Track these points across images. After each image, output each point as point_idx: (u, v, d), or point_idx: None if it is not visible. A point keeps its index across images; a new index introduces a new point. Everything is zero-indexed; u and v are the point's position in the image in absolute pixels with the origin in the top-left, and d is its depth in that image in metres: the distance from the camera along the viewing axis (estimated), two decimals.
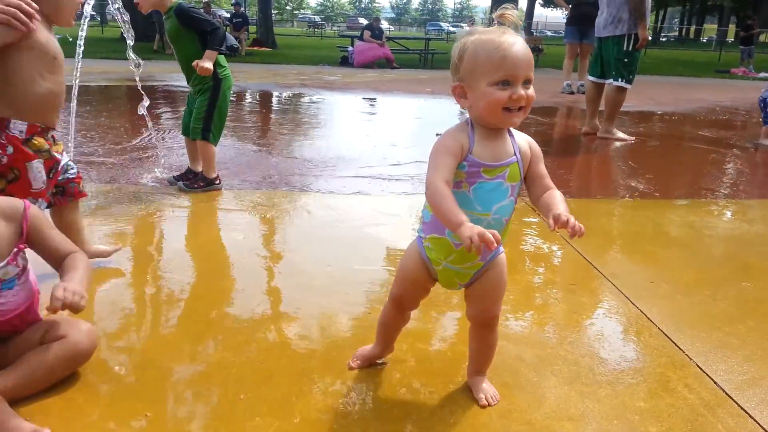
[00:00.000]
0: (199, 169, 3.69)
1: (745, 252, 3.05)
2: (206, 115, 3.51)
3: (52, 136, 2.18)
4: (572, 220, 1.35)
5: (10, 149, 2.00)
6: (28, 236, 1.62)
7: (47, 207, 2.23)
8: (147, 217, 3.13)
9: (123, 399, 1.63)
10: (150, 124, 3.95)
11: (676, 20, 58.54)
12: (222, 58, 3.53)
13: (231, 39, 17.61)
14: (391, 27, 57.56)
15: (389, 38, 19.12)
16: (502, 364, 1.87)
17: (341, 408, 1.63)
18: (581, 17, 9.54)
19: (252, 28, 23.01)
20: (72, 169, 2.32)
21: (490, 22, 1.46)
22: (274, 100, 8.99)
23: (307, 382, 1.74)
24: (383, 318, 1.78)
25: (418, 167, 4.47)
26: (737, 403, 1.71)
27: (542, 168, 1.54)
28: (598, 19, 5.98)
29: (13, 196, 1.74)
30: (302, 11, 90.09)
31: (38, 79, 2.01)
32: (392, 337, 1.83)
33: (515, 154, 1.48)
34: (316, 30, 43.07)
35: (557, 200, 1.46)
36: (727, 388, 1.78)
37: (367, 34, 16.09)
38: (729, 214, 3.76)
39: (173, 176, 3.74)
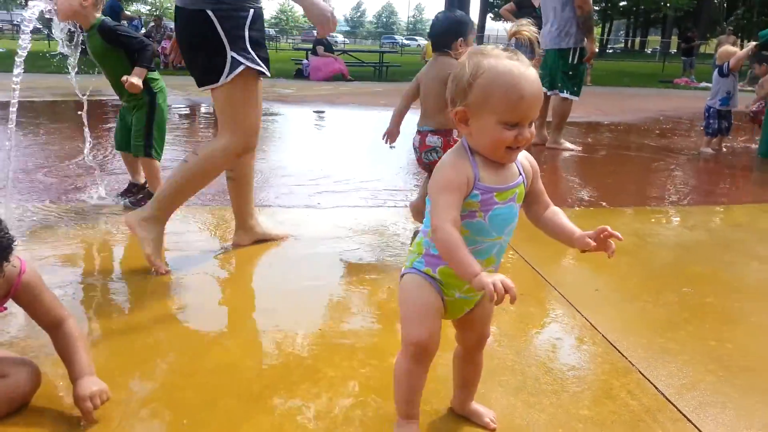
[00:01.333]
0: (141, 181, 3.64)
1: (687, 258, 3.16)
2: (146, 131, 3.45)
3: None
4: (611, 230, 1.37)
5: None
6: (14, 298, 1.58)
7: None
8: (91, 237, 3.04)
9: (65, 426, 1.57)
10: (88, 140, 3.84)
11: (621, 32, 60.59)
12: (155, 74, 3.47)
13: None
14: (346, 40, 57.78)
15: (343, 51, 19.22)
16: (451, 378, 1.88)
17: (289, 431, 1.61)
18: None
19: None
20: None
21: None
22: None
23: (254, 404, 1.71)
24: (412, 383, 1.48)
25: (372, 180, 4.49)
26: (677, 408, 1.76)
27: (541, 184, 1.51)
28: (543, 30, 6.10)
29: None
30: None
31: None
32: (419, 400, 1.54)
33: (521, 174, 1.43)
34: (270, 42, 42.88)
35: (566, 218, 1.49)
36: (668, 392, 1.83)
37: (320, 49, 16.11)
38: (672, 221, 3.89)
39: (118, 194, 3.66)
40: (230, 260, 2.88)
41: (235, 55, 2.46)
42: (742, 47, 14.04)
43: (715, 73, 6.41)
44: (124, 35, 3.34)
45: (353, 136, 7.12)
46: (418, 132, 3.03)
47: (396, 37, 71.66)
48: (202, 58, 2.51)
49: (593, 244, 1.39)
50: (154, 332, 2.11)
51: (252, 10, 2.49)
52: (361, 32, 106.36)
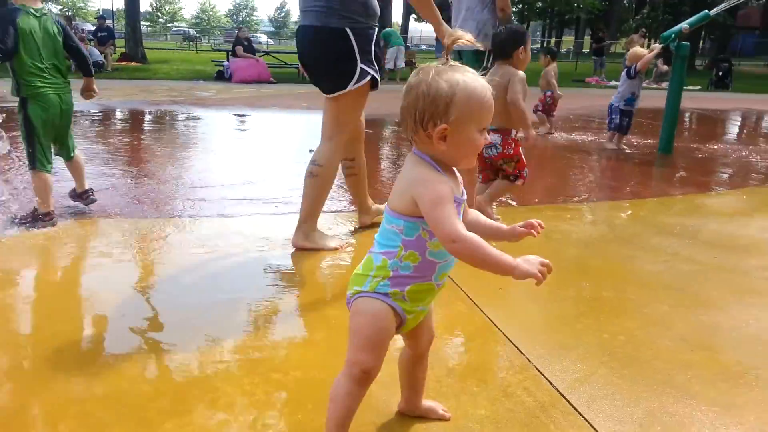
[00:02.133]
0: (84, 187, 3.59)
1: (586, 253, 3.30)
2: (26, 141, 3.29)
3: None
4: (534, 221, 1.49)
5: None
6: None
7: None
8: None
9: None
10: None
11: (538, 33, 62.80)
12: (30, 76, 3.19)
13: (96, 54, 16.64)
14: (270, 41, 56.93)
15: (266, 53, 18.94)
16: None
17: None
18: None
19: (120, 42, 21.89)
20: None
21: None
22: (140, 118, 8.55)
23: (145, 430, 1.65)
24: (349, 405, 1.47)
25: (293, 186, 4.44)
26: (569, 402, 1.83)
27: None
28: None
29: None
30: (176, 24, 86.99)
31: None
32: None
33: (461, 182, 1.48)
34: (191, 44, 41.69)
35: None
36: (561, 387, 1.90)
37: (239, 49, 15.81)
38: (575, 217, 4.05)
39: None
40: (131, 272, 2.77)
41: (363, 66, 2.90)
42: (648, 45, 14.90)
43: (623, 74, 6.74)
44: None
45: (275, 140, 7.02)
46: None
47: None
48: (335, 69, 2.92)
49: (524, 230, 1.49)
50: (40, 355, 1.99)
51: (376, 29, 2.95)
52: (285, 33, 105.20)
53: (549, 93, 7.79)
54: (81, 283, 2.73)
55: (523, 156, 3.59)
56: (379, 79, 3.01)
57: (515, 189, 3.74)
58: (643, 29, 23.56)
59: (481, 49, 1.65)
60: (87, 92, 3.53)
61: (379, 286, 1.42)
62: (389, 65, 18.55)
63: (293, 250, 3.09)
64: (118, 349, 2.10)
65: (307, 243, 3.08)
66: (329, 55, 2.91)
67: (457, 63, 1.38)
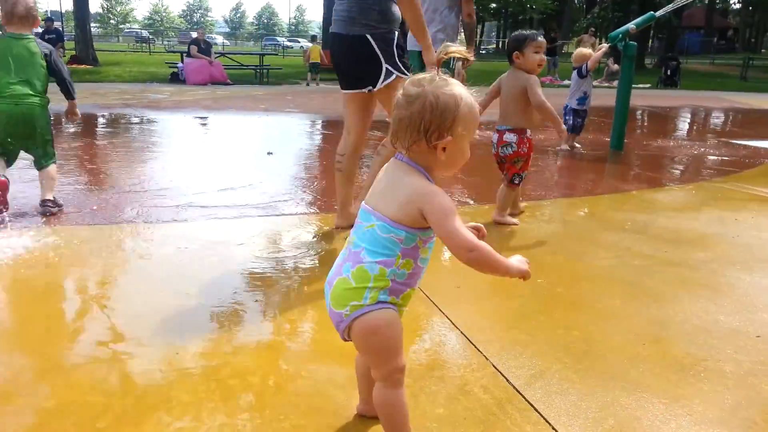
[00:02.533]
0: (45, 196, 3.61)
1: (542, 250, 3.36)
2: None
3: None
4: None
5: None
6: None
7: None
8: None
9: None
10: None
11: (494, 33, 63.71)
12: None
13: None
14: (226, 42, 56.17)
15: (221, 54, 18.67)
16: (312, 389, 1.87)
17: None
18: (408, 34, 10.01)
19: (70, 44, 21.27)
20: None
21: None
22: (90, 123, 8.32)
23: None
24: (406, 408, 1.53)
25: (251, 191, 4.39)
26: (525, 398, 1.86)
27: None
28: (410, 34, 6.28)
29: None
30: (128, 25, 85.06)
31: None
32: None
33: None
34: (144, 45, 40.82)
35: None
36: (517, 384, 1.93)
37: (194, 49, 15.54)
38: (531, 214, 4.11)
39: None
40: (82, 280, 2.69)
41: (388, 66, 3.18)
42: (599, 43, 15.26)
43: (574, 74, 6.87)
44: None
45: (231, 143, 6.92)
46: (497, 130, 3.74)
47: (278, 38, 70.69)
48: (362, 71, 3.23)
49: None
50: None
51: (396, 33, 3.21)
52: (242, 34, 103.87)
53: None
54: (30, 291, 2.63)
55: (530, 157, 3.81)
56: (407, 76, 3.12)
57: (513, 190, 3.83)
58: (593, 29, 24.15)
59: (471, 59, 1.75)
60: (70, 115, 3.97)
61: (380, 296, 1.43)
62: None
63: (251, 255, 3.06)
64: (69, 359, 2.03)
65: (346, 224, 3.47)
66: (355, 59, 3.25)
67: (447, 75, 1.43)
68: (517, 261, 1.47)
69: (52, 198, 3.62)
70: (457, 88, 1.41)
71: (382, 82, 3.20)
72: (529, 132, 3.74)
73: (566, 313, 2.50)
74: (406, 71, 3.24)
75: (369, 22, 3.15)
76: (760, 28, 60.18)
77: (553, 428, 1.71)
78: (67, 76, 3.74)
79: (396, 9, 3.21)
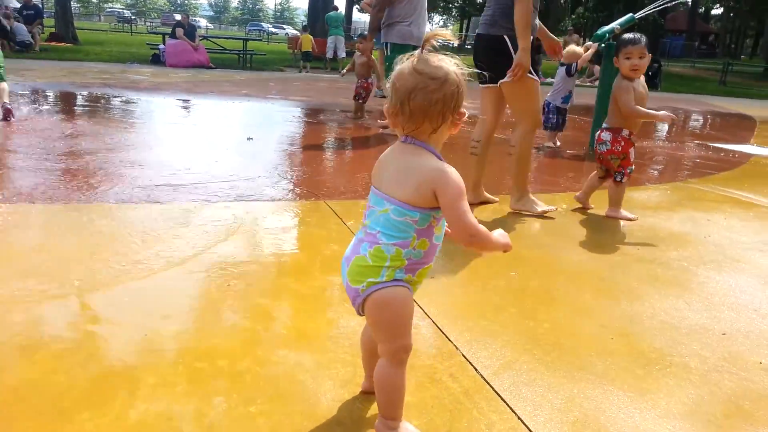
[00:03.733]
0: None
1: (518, 244, 3.32)
2: None
3: None
4: None
5: None
6: None
7: None
8: None
9: None
10: None
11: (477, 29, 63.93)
12: None
13: (23, 33, 15.77)
14: (210, 25, 55.45)
15: (205, 37, 18.44)
16: (283, 375, 1.86)
17: None
18: None
19: (50, 22, 20.83)
20: None
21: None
22: (66, 101, 8.16)
23: (59, 424, 1.57)
24: (404, 387, 1.56)
25: (229, 175, 4.35)
26: (492, 388, 1.87)
27: None
28: (398, 28, 6.37)
29: None
30: (111, 5, 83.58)
31: None
32: None
33: None
34: (125, 25, 40.13)
35: None
36: (485, 373, 1.94)
37: (179, 31, 15.34)
38: (508, 209, 4.13)
39: None
40: (50, 258, 2.64)
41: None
42: (583, 43, 15.35)
43: (562, 71, 6.80)
44: None
45: (209, 128, 6.84)
46: (600, 129, 4.08)
47: (263, 24, 69.96)
48: (497, 66, 3.75)
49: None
50: None
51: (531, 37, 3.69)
52: (226, 18, 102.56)
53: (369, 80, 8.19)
54: None
55: (631, 155, 3.97)
56: (537, 77, 3.78)
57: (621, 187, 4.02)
58: (570, 28, 24.36)
59: (455, 44, 2.14)
60: None
61: (396, 274, 1.47)
62: (329, 54, 18.45)
63: (223, 238, 3.03)
64: (30, 338, 1.99)
65: (519, 206, 3.99)
66: (493, 56, 3.79)
67: (437, 50, 1.46)
68: (500, 236, 1.53)
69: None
70: (453, 61, 1.45)
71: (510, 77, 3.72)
72: (626, 132, 3.94)
73: (538, 306, 2.51)
74: (534, 72, 3.73)
75: (507, 24, 3.65)
76: (741, 34, 61.16)
77: (519, 418, 1.72)
78: None
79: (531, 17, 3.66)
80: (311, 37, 18.74)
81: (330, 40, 18.42)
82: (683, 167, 6.42)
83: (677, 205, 4.60)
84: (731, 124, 11.97)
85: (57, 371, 1.80)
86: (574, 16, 34.45)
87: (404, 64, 1.44)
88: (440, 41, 1.46)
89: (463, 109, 1.45)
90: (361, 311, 1.53)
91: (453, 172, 1.43)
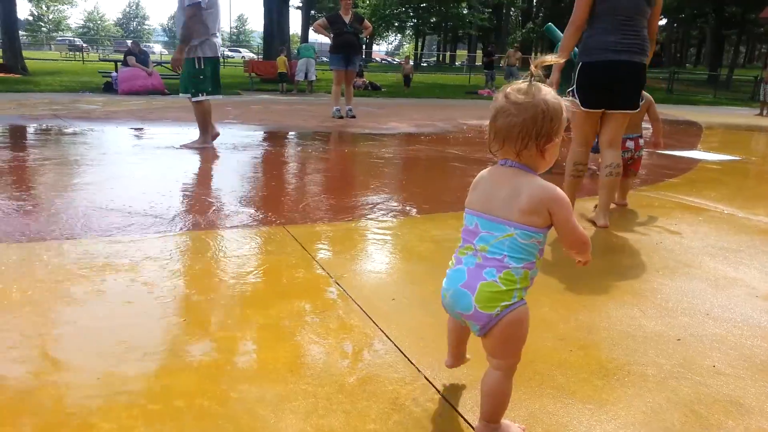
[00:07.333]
0: None
1: None
2: None
3: None
4: None
5: None
6: None
7: None
8: None
9: None
10: None
11: (434, 47, 64.79)
12: None
13: None
14: (164, 51, 54.87)
15: (159, 63, 18.24)
16: (242, 409, 1.83)
17: None
18: (345, 45, 10.03)
19: None
20: None
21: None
22: (16, 135, 7.93)
23: None
24: (510, 391, 1.70)
25: (187, 203, 4.27)
26: (455, 409, 1.87)
27: None
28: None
29: None
30: (61, 33, 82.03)
31: None
32: None
33: None
34: (77, 54, 39.42)
35: None
36: (448, 395, 1.94)
37: (131, 59, 15.14)
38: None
39: None
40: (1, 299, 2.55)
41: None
42: (530, 57, 15.73)
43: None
44: None
45: (163, 155, 6.73)
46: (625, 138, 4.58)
47: None
48: (637, 93, 4.09)
49: None
50: None
51: None
52: None
53: None
54: None
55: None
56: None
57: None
58: (516, 45, 25.21)
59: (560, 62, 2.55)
60: None
61: (523, 294, 1.60)
62: (299, 77, 18.80)
63: (178, 272, 2.97)
64: None
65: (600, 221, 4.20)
66: (637, 83, 4.04)
67: (533, 78, 1.53)
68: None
69: None
70: (552, 94, 1.53)
71: (641, 102, 4.16)
72: (642, 141, 4.93)
73: None
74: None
75: (646, 52, 3.97)
76: (684, 43, 63.61)
77: None
78: None
79: None
80: (285, 59, 19.23)
81: (301, 62, 18.88)
82: (641, 176, 6.58)
83: (629, 212, 4.73)
84: (679, 131, 12.38)
85: (3, 424, 1.73)
86: (524, 30, 35.30)
87: (503, 87, 1.56)
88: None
89: (553, 142, 1.53)
90: (485, 334, 1.62)
91: (559, 189, 1.53)
